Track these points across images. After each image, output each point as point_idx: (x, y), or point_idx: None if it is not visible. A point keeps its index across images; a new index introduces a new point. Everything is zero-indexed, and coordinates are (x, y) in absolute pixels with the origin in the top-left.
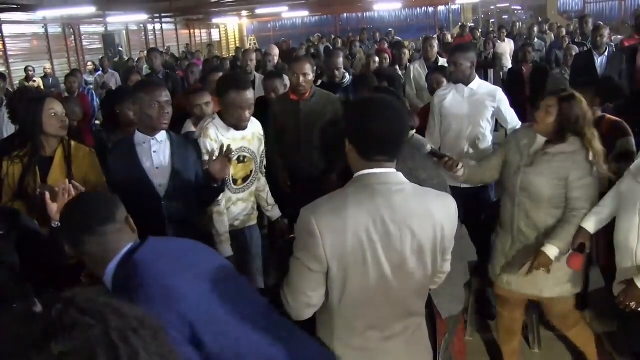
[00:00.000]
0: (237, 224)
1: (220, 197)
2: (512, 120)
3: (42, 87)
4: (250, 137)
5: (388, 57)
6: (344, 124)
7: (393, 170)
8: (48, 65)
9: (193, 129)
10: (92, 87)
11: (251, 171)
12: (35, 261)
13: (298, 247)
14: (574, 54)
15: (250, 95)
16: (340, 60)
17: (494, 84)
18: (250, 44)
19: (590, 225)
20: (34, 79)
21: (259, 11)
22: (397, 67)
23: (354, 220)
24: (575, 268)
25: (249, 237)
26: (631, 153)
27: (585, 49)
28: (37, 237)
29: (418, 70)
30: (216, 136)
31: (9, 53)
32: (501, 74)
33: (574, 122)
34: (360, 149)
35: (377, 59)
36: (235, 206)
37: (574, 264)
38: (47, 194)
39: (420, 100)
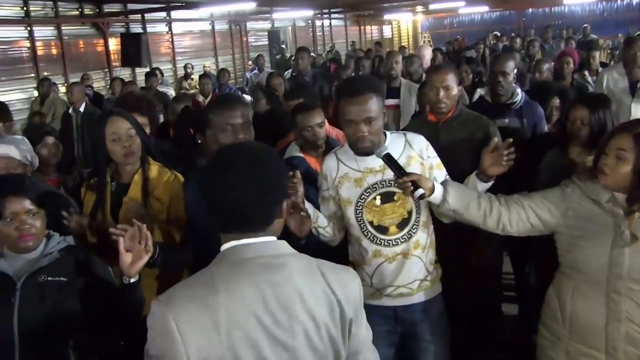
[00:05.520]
0: (397, 293)
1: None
2: None
3: (198, 85)
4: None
5: (572, 62)
6: None
7: (271, 238)
8: (208, 63)
9: (298, 154)
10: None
11: (409, 212)
12: (104, 313)
13: (150, 351)
14: None
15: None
16: (510, 64)
17: None
18: (424, 41)
19: None
20: (192, 76)
21: (433, 6)
22: (586, 73)
23: (227, 313)
24: None
25: (422, 317)
26: None
27: None
28: (108, 289)
29: (614, 78)
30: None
31: (177, 50)
32: None
33: None
34: (213, 219)
35: (544, 66)
36: (391, 264)
37: None
38: (122, 241)
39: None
